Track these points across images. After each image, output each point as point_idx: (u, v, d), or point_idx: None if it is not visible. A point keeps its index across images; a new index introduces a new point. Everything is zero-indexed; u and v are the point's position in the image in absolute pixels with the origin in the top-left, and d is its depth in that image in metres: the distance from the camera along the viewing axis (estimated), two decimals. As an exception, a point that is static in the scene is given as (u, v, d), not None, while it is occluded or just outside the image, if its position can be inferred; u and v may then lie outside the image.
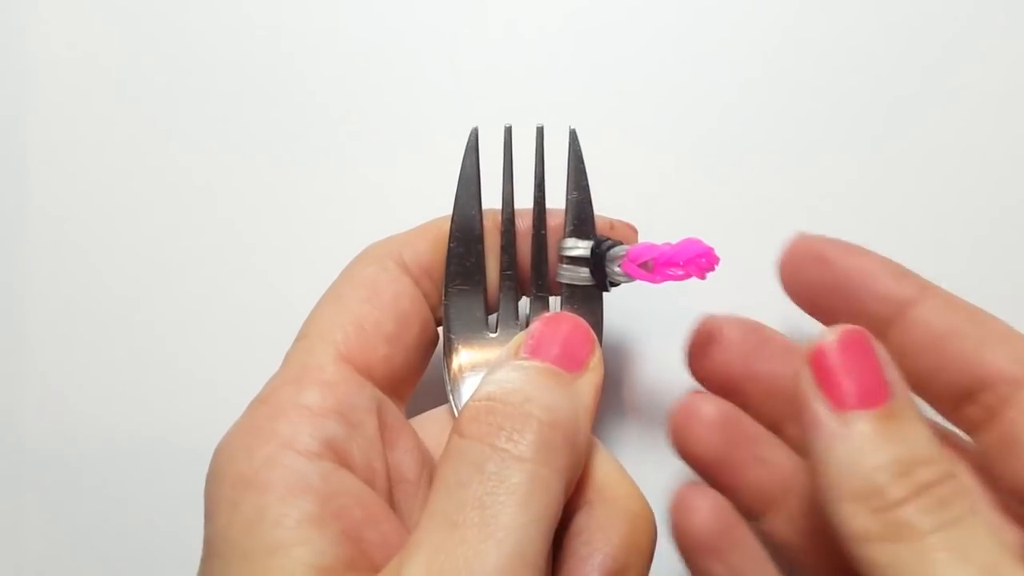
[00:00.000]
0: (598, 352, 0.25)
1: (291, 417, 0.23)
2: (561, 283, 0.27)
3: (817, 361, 0.22)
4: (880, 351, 0.22)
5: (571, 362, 0.24)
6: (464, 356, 0.27)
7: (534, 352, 0.24)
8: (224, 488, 0.23)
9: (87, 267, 0.35)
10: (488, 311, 0.27)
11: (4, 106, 0.35)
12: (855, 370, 0.22)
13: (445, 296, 0.27)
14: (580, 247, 0.27)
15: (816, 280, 0.26)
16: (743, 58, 0.34)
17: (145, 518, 0.34)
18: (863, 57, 0.34)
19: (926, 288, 0.25)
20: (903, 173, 0.34)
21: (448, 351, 0.27)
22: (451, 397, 0.27)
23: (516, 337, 0.25)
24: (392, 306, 0.26)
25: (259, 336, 0.34)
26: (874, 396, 0.21)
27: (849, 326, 0.23)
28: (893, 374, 0.22)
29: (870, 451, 0.21)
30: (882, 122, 0.34)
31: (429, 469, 0.26)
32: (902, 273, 0.25)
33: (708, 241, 0.26)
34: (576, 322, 0.25)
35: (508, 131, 0.27)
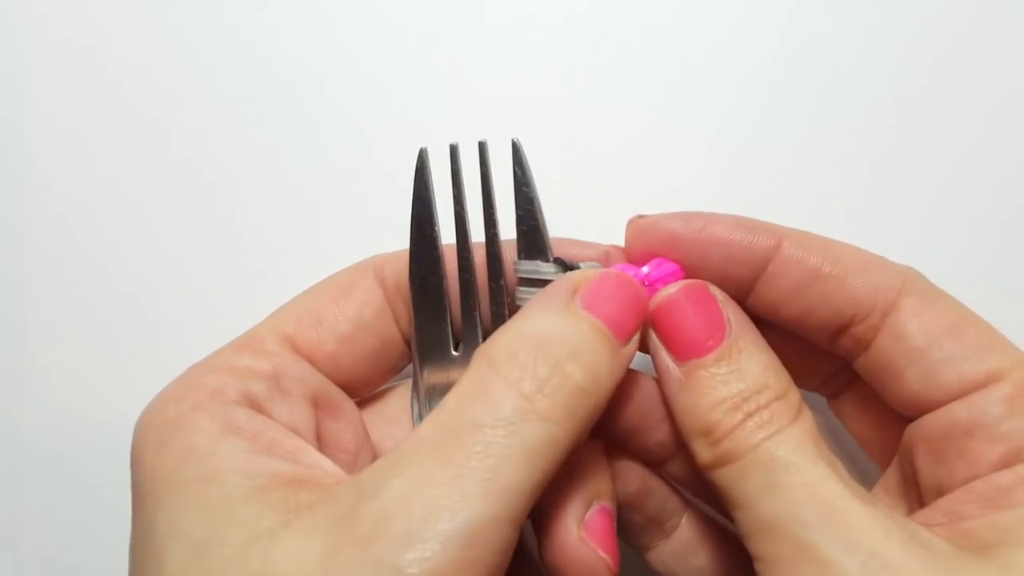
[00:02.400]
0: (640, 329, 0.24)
1: (221, 374, 0.24)
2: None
3: (659, 317, 0.24)
4: (718, 294, 0.24)
5: (620, 331, 0.23)
6: (429, 379, 0.26)
7: (590, 305, 0.23)
8: (151, 434, 0.23)
9: (88, 266, 0.35)
10: (453, 333, 0.27)
11: (4, 105, 0.35)
12: (693, 320, 0.24)
13: (415, 322, 0.26)
14: (544, 270, 0.25)
15: (676, 259, 0.26)
16: (738, 64, 0.33)
17: (141, 520, 0.34)
18: (860, 61, 0.33)
19: (779, 235, 0.25)
20: (903, 175, 0.33)
21: (417, 373, 0.27)
22: (416, 420, 0.27)
23: (569, 275, 0.24)
24: (355, 312, 0.26)
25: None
26: (712, 339, 0.23)
27: (687, 281, 0.24)
28: (730, 312, 0.24)
29: (706, 395, 0.23)
30: (880, 126, 0.33)
31: (369, 448, 0.26)
32: (751, 228, 0.25)
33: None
34: (637, 290, 0.24)
35: (454, 150, 0.25)
